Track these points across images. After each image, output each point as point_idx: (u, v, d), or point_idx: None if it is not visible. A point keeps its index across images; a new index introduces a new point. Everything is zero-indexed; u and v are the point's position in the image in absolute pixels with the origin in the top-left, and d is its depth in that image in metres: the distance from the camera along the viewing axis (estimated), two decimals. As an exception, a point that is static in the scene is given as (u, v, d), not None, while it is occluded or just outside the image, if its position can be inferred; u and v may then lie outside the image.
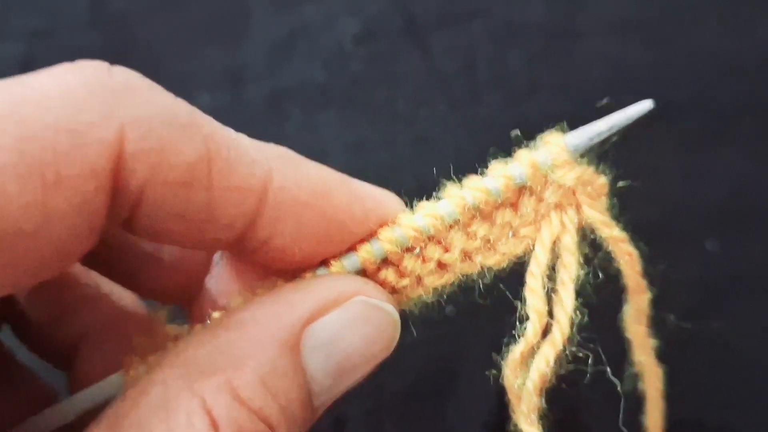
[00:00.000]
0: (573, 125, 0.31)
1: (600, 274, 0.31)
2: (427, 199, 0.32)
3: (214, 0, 0.67)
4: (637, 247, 0.32)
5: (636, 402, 0.37)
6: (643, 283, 0.33)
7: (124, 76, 0.26)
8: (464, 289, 0.34)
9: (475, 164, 0.32)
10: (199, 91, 0.59)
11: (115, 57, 0.28)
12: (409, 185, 0.33)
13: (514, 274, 0.32)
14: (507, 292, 0.32)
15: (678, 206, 0.57)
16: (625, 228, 0.31)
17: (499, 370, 0.32)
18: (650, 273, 0.33)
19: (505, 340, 0.32)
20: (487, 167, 0.31)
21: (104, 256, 0.35)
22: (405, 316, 0.33)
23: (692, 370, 0.53)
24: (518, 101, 0.61)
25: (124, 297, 0.39)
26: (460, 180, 0.32)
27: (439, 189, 0.32)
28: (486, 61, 0.63)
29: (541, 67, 0.62)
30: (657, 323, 0.36)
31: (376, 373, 0.53)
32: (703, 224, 0.57)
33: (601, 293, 0.31)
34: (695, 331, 0.53)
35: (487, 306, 0.33)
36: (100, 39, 0.65)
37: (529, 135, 0.32)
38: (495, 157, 0.31)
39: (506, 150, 0.32)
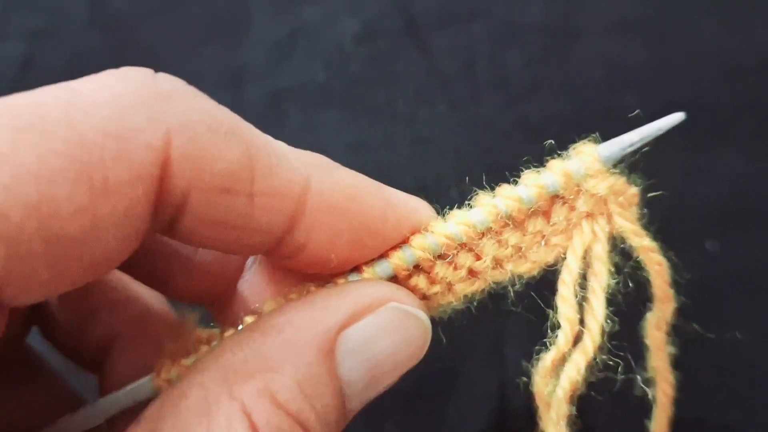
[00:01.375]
0: (574, 125, 0.31)
1: (630, 283, 0.32)
2: (427, 198, 0.33)
3: (214, 0, 0.67)
4: (667, 256, 0.32)
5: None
6: (670, 292, 0.33)
7: (169, 83, 0.27)
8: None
9: (475, 164, 0.32)
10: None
11: (115, 57, 0.29)
12: (409, 185, 0.33)
13: (544, 282, 0.33)
14: (539, 300, 0.32)
15: (678, 206, 0.57)
16: (655, 237, 0.32)
17: (530, 377, 0.33)
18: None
19: (537, 348, 0.32)
20: (486, 155, 0.32)
21: (136, 259, 0.35)
22: (433, 323, 0.33)
23: (692, 370, 0.53)
24: (518, 101, 0.61)
25: (154, 299, 0.39)
26: (464, 180, 0.32)
27: (444, 186, 0.32)
28: (486, 61, 0.63)
29: (541, 67, 0.62)
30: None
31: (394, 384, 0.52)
32: (703, 224, 0.57)
33: (631, 301, 0.32)
34: (695, 332, 0.53)
35: (488, 306, 0.33)
36: (100, 39, 0.65)
37: (530, 135, 0.32)
38: (528, 166, 0.32)
39: (506, 151, 0.32)
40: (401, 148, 0.61)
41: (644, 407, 0.35)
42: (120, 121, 0.25)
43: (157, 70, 0.27)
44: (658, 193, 0.32)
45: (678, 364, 0.37)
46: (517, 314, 0.32)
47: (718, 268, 0.56)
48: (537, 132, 0.58)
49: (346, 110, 0.62)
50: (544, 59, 0.62)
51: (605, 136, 0.31)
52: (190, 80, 0.28)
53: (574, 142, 0.31)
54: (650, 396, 0.36)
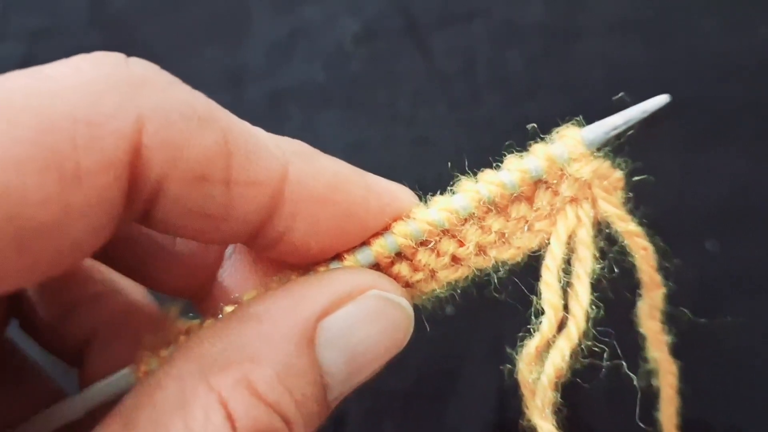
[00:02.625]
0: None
1: (615, 269, 0.31)
2: (428, 196, 0.32)
3: (214, 0, 0.67)
4: (653, 241, 0.32)
5: (651, 397, 0.37)
6: (657, 277, 0.33)
7: (142, 68, 0.26)
8: (464, 289, 0.33)
9: (474, 164, 0.32)
10: (199, 90, 0.59)
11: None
12: (409, 185, 0.33)
13: (529, 268, 0.32)
14: (522, 287, 0.32)
15: (678, 206, 0.57)
16: (641, 222, 0.31)
17: (513, 364, 0.32)
18: (663, 269, 0.33)
19: (520, 334, 0.32)
20: (501, 162, 0.31)
21: (115, 250, 0.34)
22: (416, 312, 0.32)
23: (692, 370, 0.53)
24: (518, 101, 0.61)
25: (135, 292, 0.38)
26: (462, 177, 0.32)
27: (443, 186, 0.32)
28: (486, 61, 0.63)
29: (541, 67, 0.62)
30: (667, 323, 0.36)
31: (377, 373, 0.52)
32: (703, 224, 0.57)
33: (616, 287, 0.31)
34: (695, 332, 0.53)
35: (488, 307, 0.33)
36: (100, 39, 0.65)
37: (530, 135, 0.31)
38: (510, 152, 0.31)
39: (506, 151, 0.32)
40: (401, 148, 0.61)
41: (632, 394, 0.35)
42: (91, 106, 0.24)
43: (157, 70, 0.27)
44: (643, 176, 0.31)
45: (677, 363, 0.37)
46: (516, 315, 0.32)
47: (718, 268, 0.56)
48: (537, 132, 0.58)
49: (346, 110, 0.62)
50: (544, 59, 0.62)
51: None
52: (190, 80, 0.28)
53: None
54: (654, 387, 0.36)
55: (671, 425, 0.37)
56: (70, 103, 0.24)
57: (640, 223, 0.31)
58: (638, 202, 0.32)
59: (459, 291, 0.33)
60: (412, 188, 0.33)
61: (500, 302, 0.32)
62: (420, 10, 0.64)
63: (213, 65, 0.64)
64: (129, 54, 0.27)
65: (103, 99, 0.24)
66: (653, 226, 0.32)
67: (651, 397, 0.37)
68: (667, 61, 0.61)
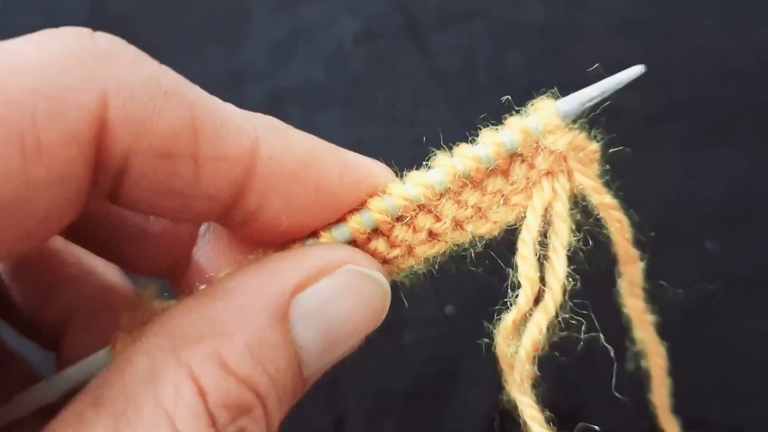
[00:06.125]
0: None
1: (590, 241, 0.31)
2: (404, 172, 0.32)
3: (214, 0, 0.67)
4: (628, 215, 0.32)
5: (628, 371, 0.37)
6: (633, 251, 0.32)
7: (107, 42, 0.26)
8: (463, 288, 0.33)
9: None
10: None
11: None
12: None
13: (505, 243, 0.32)
14: (499, 261, 0.32)
15: (678, 206, 0.57)
16: (617, 195, 0.31)
17: (492, 338, 0.32)
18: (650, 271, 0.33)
19: (497, 307, 0.32)
20: (477, 136, 0.31)
21: (88, 230, 0.34)
22: (417, 312, 0.32)
23: (692, 370, 0.53)
24: (518, 101, 0.61)
25: (110, 273, 0.38)
26: (450, 149, 0.32)
27: (429, 159, 0.31)
28: (486, 61, 0.63)
29: (541, 67, 0.62)
30: (657, 327, 0.36)
31: (376, 373, 0.53)
32: (703, 224, 0.57)
33: (593, 260, 0.31)
34: (695, 331, 0.53)
35: (488, 306, 0.33)
36: (100, 39, 0.65)
37: (507, 108, 0.31)
38: (485, 125, 0.31)
39: (482, 125, 0.31)
40: (401, 148, 0.61)
41: (609, 367, 0.35)
42: (53, 80, 0.24)
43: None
44: (619, 148, 0.31)
45: (677, 363, 0.37)
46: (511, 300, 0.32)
47: (718, 268, 0.56)
48: (512, 105, 0.58)
49: (346, 110, 0.62)
50: (544, 59, 0.62)
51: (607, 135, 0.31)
52: (190, 80, 0.28)
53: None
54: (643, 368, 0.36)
55: (665, 406, 0.37)
56: (31, 78, 0.23)
57: (616, 196, 0.31)
58: (639, 204, 0.32)
59: (458, 292, 0.33)
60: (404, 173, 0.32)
61: (500, 302, 0.32)
62: (420, 10, 0.64)
63: (213, 65, 0.64)
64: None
65: (66, 73, 0.24)
66: (654, 227, 0.32)
67: (626, 370, 0.37)
68: (667, 61, 0.61)
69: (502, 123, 0.31)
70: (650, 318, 0.35)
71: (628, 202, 0.32)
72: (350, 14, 0.65)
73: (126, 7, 0.66)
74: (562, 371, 0.38)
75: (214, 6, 0.66)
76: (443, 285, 0.53)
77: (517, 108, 0.30)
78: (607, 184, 0.31)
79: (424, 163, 0.32)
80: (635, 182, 0.32)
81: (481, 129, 0.31)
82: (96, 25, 0.72)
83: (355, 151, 0.63)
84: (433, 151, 0.31)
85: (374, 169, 0.32)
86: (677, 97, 0.59)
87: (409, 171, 0.32)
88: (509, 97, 0.31)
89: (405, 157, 0.62)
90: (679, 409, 0.38)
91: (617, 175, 0.31)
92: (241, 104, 0.69)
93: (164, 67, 0.27)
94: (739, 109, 0.59)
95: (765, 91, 0.60)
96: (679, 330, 0.43)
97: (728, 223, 0.57)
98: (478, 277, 0.33)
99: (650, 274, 0.34)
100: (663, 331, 0.36)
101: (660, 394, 0.37)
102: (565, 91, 0.64)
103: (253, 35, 0.65)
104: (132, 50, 0.26)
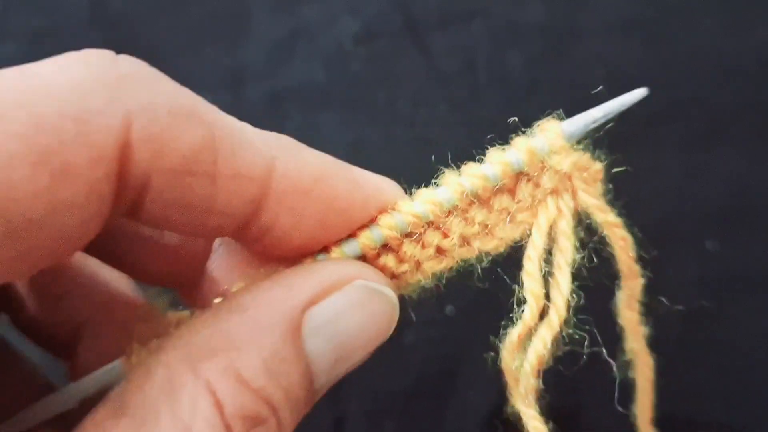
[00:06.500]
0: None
1: (595, 258, 0.32)
2: (413, 189, 0.33)
3: (214, 0, 0.67)
4: (632, 232, 0.32)
5: (631, 383, 0.37)
6: (636, 268, 0.33)
7: (130, 65, 0.26)
8: (463, 288, 0.34)
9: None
10: (199, 91, 0.59)
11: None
12: (408, 185, 0.33)
13: (511, 259, 0.33)
14: (505, 277, 0.32)
15: (678, 206, 0.57)
16: (620, 213, 0.32)
17: (498, 352, 0.33)
18: (650, 271, 0.33)
19: (503, 323, 0.32)
20: (485, 155, 0.32)
21: (103, 242, 0.34)
22: (417, 311, 0.33)
23: (692, 370, 0.53)
24: (518, 101, 0.61)
25: (123, 284, 0.39)
26: (458, 168, 0.32)
27: (437, 177, 0.32)
28: (486, 61, 0.63)
29: (541, 67, 0.62)
30: (657, 327, 0.36)
31: (376, 373, 0.53)
32: (703, 224, 0.57)
33: (596, 276, 0.32)
34: (695, 331, 0.53)
35: (487, 306, 0.33)
36: (101, 39, 0.65)
37: (513, 128, 0.32)
38: (493, 146, 0.32)
39: (489, 145, 0.32)
40: (401, 148, 0.61)
41: (611, 381, 0.35)
42: (79, 103, 0.24)
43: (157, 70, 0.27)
44: (622, 168, 0.32)
45: (676, 363, 0.37)
46: (516, 315, 0.32)
47: (718, 268, 0.56)
48: (518, 126, 0.58)
49: (346, 110, 0.62)
50: (544, 59, 0.62)
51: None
52: (190, 80, 0.28)
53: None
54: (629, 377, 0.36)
55: (646, 417, 0.38)
56: (59, 100, 0.24)
57: (620, 214, 0.32)
58: (639, 204, 0.32)
59: (458, 292, 0.34)
60: (412, 188, 0.33)
61: (499, 302, 0.33)
62: (420, 10, 0.64)
63: (213, 65, 0.64)
64: (129, 54, 0.27)
65: (91, 96, 0.25)
66: (654, 227, 0.32)
67: (630, 383, 0.37)
68: (667, 61, 0.61)
69: (508, 141, 0.32)
70: (643, 330, 0.36)
71: (629, 201, 0.32)
72: (350, 14, 0.65)
73: (126, 7, 0.66)
74: (565, 385, 0.39)
75: (214, 6, 0.66)
76: (443, 285, 0.53)
77: (523, 129, 0.31)
78: (611, 203, 0.32)
79: (433, 180, 0.32)
80: (635, 182, 0.32)
81: (487, 149, 0.32)
82: (96, 25, 0.72)
83: (355, 151, 0.63)
84: (441, 169, 0.32)
85: (384, 186, 0.32)
86: (677, 97, 0.59)
87: (416, 188, 0.33)
88: (516, 119, 0.32)
89: (405, 157, 0.63)
90: (676, 408, 0.38)
91: (619, 188, 0.32)
92: (241, 104, 0.69)
93: (184, 89, 0.27)
94: (739, 109, 0.59)
95: (765, 91, 0.60)
96: (679, 330, 0.43)
97: (728, 223, 0.57)
98: (478, 276, 0.33)
99: (651, 277, 0.34)
100: (662, 332, 0.37)
101: (643, 404, 0.37)
102: (564, 91, 0.64)
103: (253, 35, 0.65)
104: (153, 72, 0.27)
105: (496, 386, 0.54)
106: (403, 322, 0.32)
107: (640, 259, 0.33)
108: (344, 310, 0.30)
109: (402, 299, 0.33)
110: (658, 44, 0.62)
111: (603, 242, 0.32)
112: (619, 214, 0.32)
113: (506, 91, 0.62)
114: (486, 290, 0.34)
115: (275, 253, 0.32)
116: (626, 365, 0.36)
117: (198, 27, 0.66)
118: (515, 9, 0.64)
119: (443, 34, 0.64)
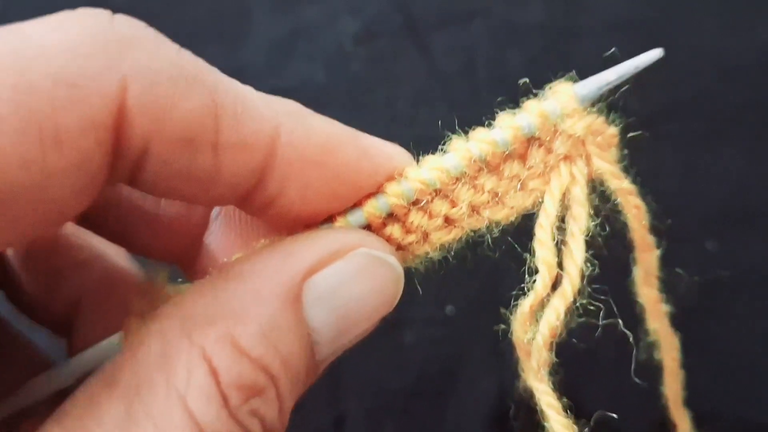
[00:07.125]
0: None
1: (607, 227, 0.31)
2: (420, 156, 0.32)
3: (214, 0, 0.67)
4: (645, 201, 0.31)
5: (648, 357, 0.36)
6: (650, 238, 0.32)
7: (128, 26, 0.25)
8: (463, 288, 0.33)
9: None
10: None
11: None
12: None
13: (522, 229, 0.32)
14: (516, 246, 0.31)
15: (678, 206, 0.57)
16: (635, 180, 0.31)
17: (508, 324, 0.31)
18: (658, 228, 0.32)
19: (514, 293, 0.31)
20: (493, 120, 0.31)
21: (98, 214, 0.34)
22: (418, 312, 0.31)
23: (692, 370, 0.53)
24: (518, 101, 0.61)
25: (121, 258, 0.38)
26: (453, 136, 0.31)
27: (444, 143, 0.31)
28: (486, 61, 0.63)
29: (541, 67, 0.62)
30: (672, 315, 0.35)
31: (377, 372, 0.53)
32: (703, 224, 0.57)
33: (610, 246, 0.31)
34: (695, 331, 0.53)
35: (487, 306, 0.33)
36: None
37: (523, 91, 0.31)
38: (502, 108, 0.31)
39: (498, 109, 0.31)
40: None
41: (626, 355, 0.34)
42: (72, 67, 0.23)
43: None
44: (638, 132, 0.31)
45: (685, 358, 0.37)
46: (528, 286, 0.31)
47: (718, 268, 0.56)
48: (529, 88, 0.58)
49: (346, 110, 0.62)
50: (544, 59, 0.62)
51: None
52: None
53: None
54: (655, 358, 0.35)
55: (677, 399, 0.37)
56: (51, 64, 0.23)
57: (634, 181, 0.31)
58: (633, 160, 0.31)
59: (459, 292, 0.33)
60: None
61: (499, 302, 0.32)
62: (420, 10, 0.64)
63: (213, 65, 0.64)
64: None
65: (85, 59, 0.23)
66: (653, 227, 0.32)
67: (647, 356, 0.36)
68: (667, 61, 0.61)
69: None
70: (664, 308, 0.34)
71: (623, 159, 0.31)
72: (350, 14, 0.65)
73: (126, 7, 0.66)
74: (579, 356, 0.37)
75: (214, 6, 0.66)
76: (443, 285, 0.53)
77: (513, 107, 0.30)
78: (626, 170, 0.30)
79: (440, 147, 0.31)
80: (635, 182, 0.32)
81: (497, 112, 0.31)
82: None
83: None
84: (448, 135, 0.31)
85: (393, 153, 0.31)
86: (677, 97, 0.59)
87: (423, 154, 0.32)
88: (527, 80, 0.31)
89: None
90: (689, 403, 0.38)
91: (634, 160, 0.31)
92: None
93: (184, 51, 0.26)
94: (739, 109, 0.59)
95: (765, 91, 0.60)
96: (679, 330, 0.43)
97: (728, 223, 0.57)
98: (478, 276, 0.33)
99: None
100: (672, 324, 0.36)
101: (672, 386, 0.36)
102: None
103: (253, 35, 0.65)
104: (152, 33, 0.26)
105: (497, 386, 0.54)
106: (402, 322, 0.32)
107: (654, 231, 0.32)
108: (347, 278, 0.28)
109: (408, 273, 0.31)
110: (658, 44, 0.62)
111: (616, 210, 0.31)
112: (634, 182, 0.31)
113: (506, 91, 0.61)
114: (486, 290, 0.33)
115: (280, 222, 0.30)
116: (648, 348, 0.35)
117: (198, 27, 0.66)
118: (515, 9, 0.64)
119: (443, 34, 0.64)
